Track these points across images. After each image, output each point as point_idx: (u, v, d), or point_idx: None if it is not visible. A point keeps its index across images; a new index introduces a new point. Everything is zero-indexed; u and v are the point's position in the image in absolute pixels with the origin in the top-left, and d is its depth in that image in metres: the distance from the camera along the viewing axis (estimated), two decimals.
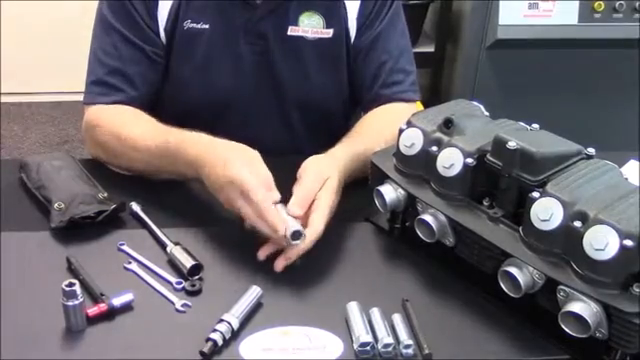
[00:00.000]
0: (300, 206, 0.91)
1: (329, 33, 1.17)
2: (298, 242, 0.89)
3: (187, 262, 0.92)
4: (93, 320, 0.84)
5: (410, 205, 0.95)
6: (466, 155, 0.89)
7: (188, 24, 1.14)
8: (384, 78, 1.21)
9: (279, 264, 0.90)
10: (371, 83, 1.22)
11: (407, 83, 1.23)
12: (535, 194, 0.82)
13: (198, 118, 1.18)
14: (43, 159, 1.08)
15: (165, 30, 1.14)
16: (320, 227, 0.91)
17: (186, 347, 0.81)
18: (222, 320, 0.82)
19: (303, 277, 0.92)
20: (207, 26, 1.14)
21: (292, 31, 1.16)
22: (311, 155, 0.99)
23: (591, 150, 0.89)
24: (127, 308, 0.86)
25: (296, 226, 0.89)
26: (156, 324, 0.85)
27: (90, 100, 1.15)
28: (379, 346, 0.81)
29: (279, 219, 0.89)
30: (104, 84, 1.13)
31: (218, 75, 1.17)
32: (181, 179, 1.05)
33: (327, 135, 1.17)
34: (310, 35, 1.17)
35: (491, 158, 0.88)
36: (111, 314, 0.85)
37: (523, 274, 0.81)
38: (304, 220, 0.91)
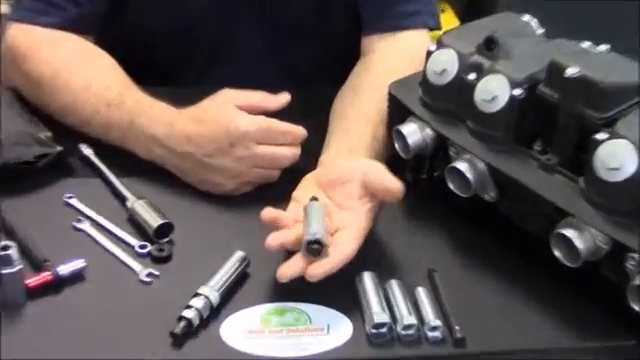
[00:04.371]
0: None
1: None
2: (317, 257, 0.83)
3: (153, 221, 0.92)
4: (35, 292, 0.84)
5: (440, 149, 0.95)
6: (513, 85, 0.88)
7: None
8: None
9: (285, 272, 0.83)
10: None
11: (423, 1, 1.18)
12: (601, 135, 0.82)
13: (164, 49, 1.20)
14: None
15: None
16: (349, 248, 0.85)
17: (153, 327, 0.81)
18: (198, 294, 0.82)
19: None
20: None
21: None
22: (311, 92, 1.00)
23: None
24: (77, 278, 0.86)
25: (314, 234, 0.82)
26: (114, 298, 0.85)
27: (21, 17, 1.13)
28: (398, 328, 0.82)
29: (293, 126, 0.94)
30: None
31: None
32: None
33: (331, 65, 1.17)
34: None
35: (545, 89, 0.88)
36: (57, 285, 0.85)
37: (583, 237, 0.81)
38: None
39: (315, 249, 0.82)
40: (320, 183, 0.94)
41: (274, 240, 0.85)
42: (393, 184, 0.90)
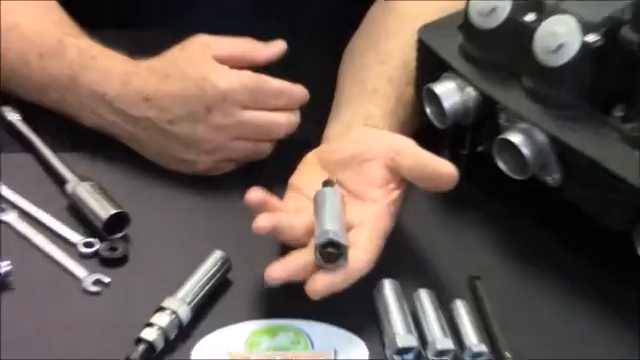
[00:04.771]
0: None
1: None
2: (332, 265, 0.79)
3: (103, 210, 0.88)
4: None
5: (486, 116, 0.90)
6: (586, 28, 0.83)
7: None
8: None
9: (272, 273, 0.80)
10: None
11: None
12: None
13: None
14: None
15: None
16: (365, 256, 0.81)
17: (102, 352, 0.78)
18: (163, 308, 0.79)
19: None
20: None
21: None
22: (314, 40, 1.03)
23: None
24: (0, 286, 0.83)
25: (328, 233, 0.79)
26: (50, 313, 0.82)
27: None
28: (429, 354, 0.78)
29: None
30: None
31: None
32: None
33: (341, 5, 1.15)
34: None
35: (629, 34, 0.83)
36: None
37: None
38: None
39: (331, 254, 0.78)
40: (327, 163, 0.90)
41: (264, 221, 0.80)
42: (444, 167, 0.84)
